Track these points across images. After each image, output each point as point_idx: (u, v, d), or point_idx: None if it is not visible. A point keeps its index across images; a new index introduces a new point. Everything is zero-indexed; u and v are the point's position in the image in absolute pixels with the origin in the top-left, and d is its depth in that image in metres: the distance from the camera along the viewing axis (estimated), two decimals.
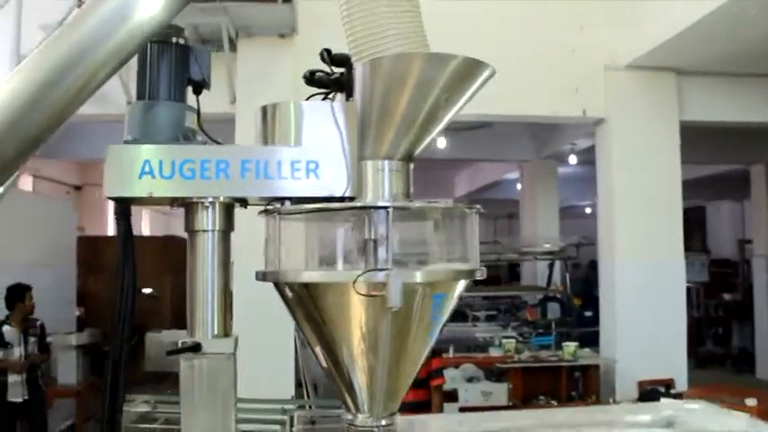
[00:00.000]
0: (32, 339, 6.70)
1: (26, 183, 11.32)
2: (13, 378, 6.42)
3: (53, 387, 7.42)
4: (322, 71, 2.11)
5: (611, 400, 6.17)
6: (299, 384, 7.43)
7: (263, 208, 2.09)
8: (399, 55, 1.85)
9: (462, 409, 6.31)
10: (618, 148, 7.59)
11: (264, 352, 6.44)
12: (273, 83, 7.15)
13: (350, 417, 2.10)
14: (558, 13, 7.42)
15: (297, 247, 2.03)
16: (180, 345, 2.05)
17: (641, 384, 7.15)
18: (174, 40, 2.11)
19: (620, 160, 7.56)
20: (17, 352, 6.54)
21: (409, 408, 4.87)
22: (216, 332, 2.08)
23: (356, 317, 1.94)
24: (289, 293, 2.03)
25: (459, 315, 9.81)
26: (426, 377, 4.90)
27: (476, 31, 7.17)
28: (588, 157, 8.66)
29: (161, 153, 2.00)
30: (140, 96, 2.10)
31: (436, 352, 5.04)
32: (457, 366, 7.14)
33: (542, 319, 9.41)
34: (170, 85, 2.09)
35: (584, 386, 7.26)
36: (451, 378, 6.82)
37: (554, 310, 9.80)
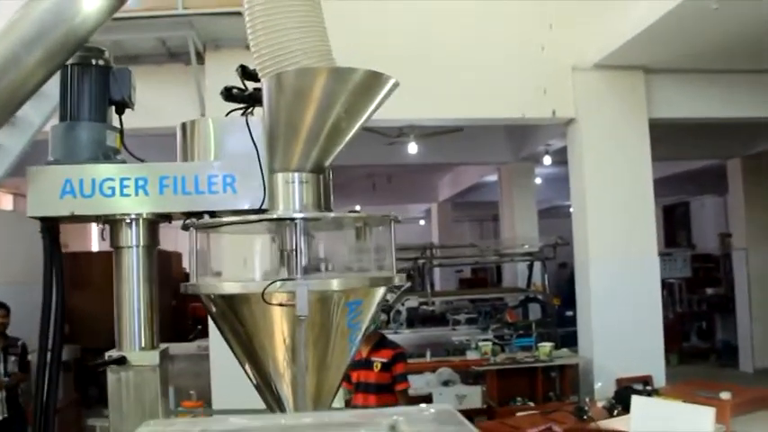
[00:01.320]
0: (12, 358, 6.73)
1: (6, 202, 11.34)
2: None
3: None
4: (238, 87, 2.17)
5: (587, 399, 6.18)
6: None
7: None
8: (301, 70, 1.91)
9: None
10: (588, 147, 7.64)
11: None
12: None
13: None
14: (525, 12, 7.49)
15: (215, 260, 2.08)
16: (106, 358, 2.11)
17: (619, 382, 7.19)
18: (93, 61, 2.16)
19: (591, 160, 7.61)
20: None
21: None
22: (143, 345, 2.14)
23: (273, 327, 1.99)
24: (212, 307, 2.09)
25: (438, 319, 9.85)
26: (391, 381, 4.94)
27: (441, 32, 7.24)
28: (563, 157, 8.71)
29: (81, 172, 2.06)
30: (62, 118, 2.16)
31: (401, 356, 5.08)
32: (433, 370, 7.17)
33: (523, 320, 9.45)
34: (90, 106, 2.14)
35: (561, 386, 7.30)
36: (427, 382, 6.87)
37: (535, 311, 9.85)
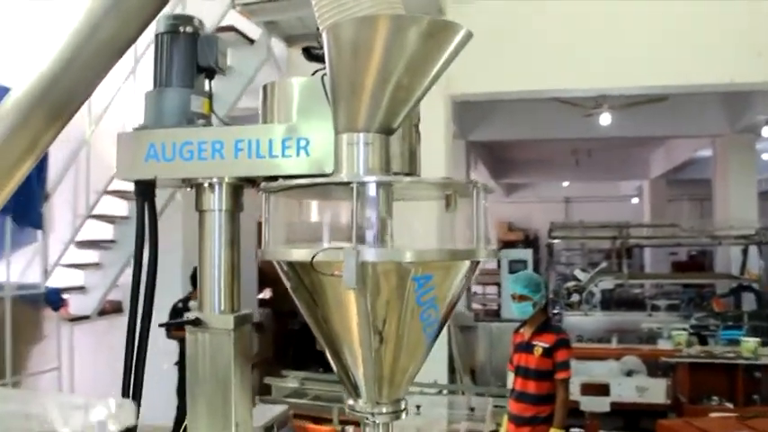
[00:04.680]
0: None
1: None
2: None
3: None
4: (316, 47, 2.07)
5: None
6: (452, 371, 7.40)
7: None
8: (357, 18, 1.75)
9: (614, 405, 5.89)
10: None
11: None
12: None
13: (351, 402, 2.04)
14: None
15: (282, 225, 2.01)
16: (185, 318, 2.14)
17: None
18: (181, 29, 2.18)
19: None
20: None
21: (532, 400, 4.65)
22: (222, 308, 2.14)
23: (335, 298, 1.88)
24: (284, 277, 2.03)
25: (635, 303, 9.16)
26: (552, 369, 4.63)
27: None
28: None
29: (163, 137, 2.09)
30: (154, 85, 2.20)
31: (563, 342, 4.71)
32: (618, 358, 6.65)
33: (734, 310, 8.45)
34: (177, 73, 2.17)
35: None
36: (609, 370, 6.39)
37: (750, 302, 8.76)
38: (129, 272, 6.92)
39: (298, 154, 2.01)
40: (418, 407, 4.21)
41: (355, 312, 1.84)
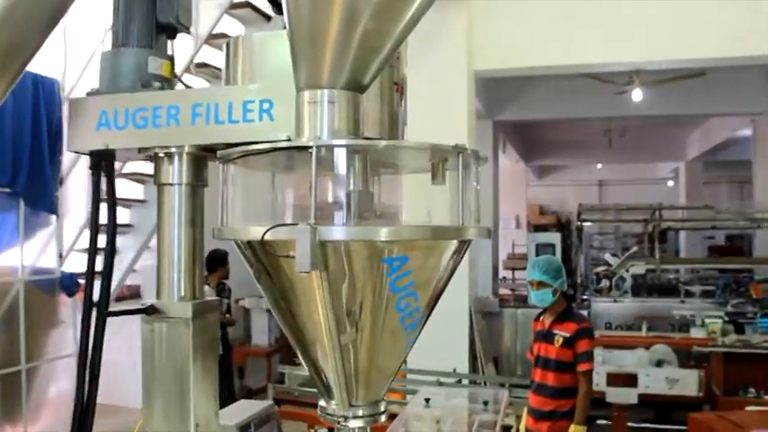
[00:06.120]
0: (225, 301, 7.22)
1: None
2: None
3: (246, 347, 7.96)
4: None
5: None
6: (475, 358, 7.14)
7: None
8: None
9: (642, 396, 5.57)
10: None
11: (437, 322, 6.23)
12: (447, 42, 6.89)
13: (323, 404, 1.80)
14: None
15: (239, 199, 1.76)
16: (140, 306, 1.93)
17: None
18: None
19: None
20: None
21: (552, 393, 4.38)
22: (183, 294, 1.92)
23: (299, 286, 1.63)
24: (243, 258, 1.79)
25: (668, 289, 8.78)
26: (573, 360, 4.35)
27: None
28: None
29: (114, 102, 1.87)
30: (113, 46, 1.98)
31: (585, 332, 4.41)
32: (648, 347, 6.32)
33: None
34: (134, 31, 1.93)
35: None
36: (637, 359, 6.06)
37: None
38: (146, 256, 6.68)
39: (260, 118, 1.78)
40: (427, 399, 3.95)
41: (318, 301, 1.59)
